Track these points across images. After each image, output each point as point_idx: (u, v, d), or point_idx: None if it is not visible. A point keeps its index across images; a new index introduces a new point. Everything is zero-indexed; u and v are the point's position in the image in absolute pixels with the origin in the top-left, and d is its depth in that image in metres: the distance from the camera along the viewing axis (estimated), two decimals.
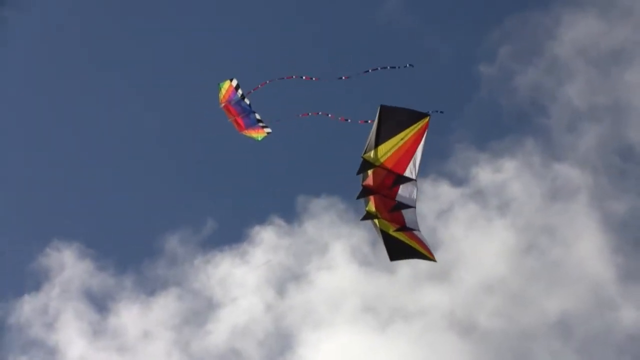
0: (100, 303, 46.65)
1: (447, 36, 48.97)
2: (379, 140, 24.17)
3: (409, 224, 25.21)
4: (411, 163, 24.51)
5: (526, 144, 47.79)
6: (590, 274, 44.69)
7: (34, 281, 46.68)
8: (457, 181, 47.65)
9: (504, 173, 47.53)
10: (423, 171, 46.48)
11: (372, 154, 24.32)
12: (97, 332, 46.04)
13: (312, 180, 48.56)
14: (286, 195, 48.60)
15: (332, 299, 46.30)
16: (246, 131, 28.66)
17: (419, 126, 23.99)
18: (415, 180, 24.67)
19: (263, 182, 49.52)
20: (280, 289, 46.83)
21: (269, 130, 28.28)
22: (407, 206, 24.90)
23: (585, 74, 48.84)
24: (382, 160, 24.52)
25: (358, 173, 24.76)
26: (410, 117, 23.85)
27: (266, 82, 28.09)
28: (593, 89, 48.45)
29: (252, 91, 28.06)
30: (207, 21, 52.15)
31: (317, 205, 47.49)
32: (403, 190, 24.91)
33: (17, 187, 49.18)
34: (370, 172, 24.62)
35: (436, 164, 47.33)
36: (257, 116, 28.08)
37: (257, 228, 47.40)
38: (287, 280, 46.93)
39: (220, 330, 45.45)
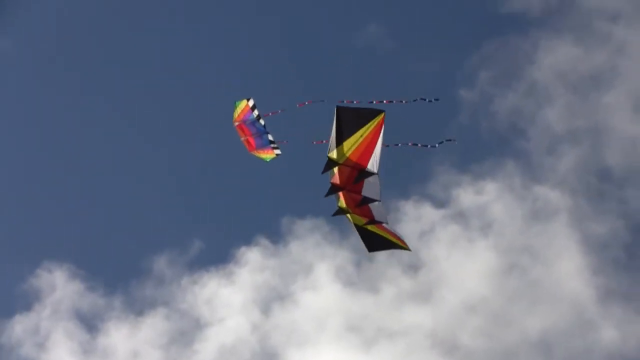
0: (90, 323, 46.46)
1: (427, 61, 48.69)
2: (340, 139, 24.62)
3: (377, 217, 25.77)
4: (372, 158, 24.91)
5: (507, 166, 47.65)
6: (570, 294, 44.67)
7: (25, 301, 46.54)
8: (439, 203, 47.27)
9: (485, 195, 47.45)
10: (405, 193, 46.19)
11: (335, 152, 24.84)
12: (87, 352, 45.84)
13: (297, 202, 48.34)
14: (271, 216, 48.52)
15: (316, 318, 46.17)
16: (256, 151, 28.59)
17: (376, 122, 24.41)
18: (377, 174, 24.94)
19: (249, 203, 49.45)
20: (266, 309, 46.62)
21: (278, 152, 28.21)
22: (373, 200, 25.32)
23: (563, 97, 48.45)
24: (345, 157, 24.98)
25: (323, 172, 25.28)
26: (367, 114, 24.34)
27: (283, 110, 27.82)
28: (571, 113, 48.09)
29: (269, 114, 27.87)
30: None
31: (301, 227, 47.18)
32: (367, 185, 25.27)
33: (8, 208, 49.20)
34: (335, 170, 25.20)
35: (418, 186, 47.44)
36: (270, 137, 28.07)
37: (243, 249, 47.37)
38: (272, 300, 46.78)
39: (207, 350, 45.34)
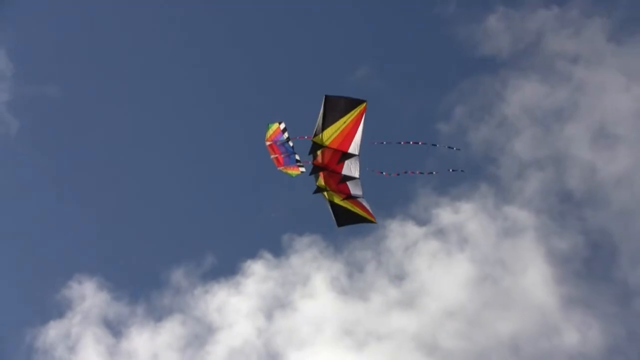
0: (115, 329, 47.45)
1: (410, 98, 50.29)
2: (325, 125, 25.44)
3: (353, 193, 26.57)
4: (353, 142, 25.70)
5: (480, 189, 48.68)
6: (536, 301, 45.40)
7: (58, 310, 47.60)
8: (422, 221, 48.44)
9: (462, 214, 48.40)
10: (391, 212, 47.28)
11: (320, 137, 25.68)
12: (112, 354, 47.05)
13: (297, 221, 48.55)
14: (274, 233, 49.01)
15: (314, 323, 46.92)
16: (283, 167, 28.17)
17: (358, 111, 25.31)
18: (358, 155, 25.90)
19: (254, 222, 49.98)
20: (269, 315, 47.45)
21: (303, 169, 27.77)
22: (351, 178, 26.27)
23: (530, 129, 49.97)
24: (328, 141, 25.76)
25: (309, 154, 26.23)
26: (350, 103, 25.24)
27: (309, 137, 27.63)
28: (537, 143, 49.63)
29: (297, 137, 27.61)
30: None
31: (300, 243, 48.50)
32: (347, 166, 26.18)
33: (44, 228, 50.62)
34: (319, 152, 26.13)
35: (403, 207, 48.62)
36: (297, 157, 27.61)
37: (249, 262, 48.28)
38: (274, 307, 47.65)
39: (218, 352, 46.38)
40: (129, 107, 53.06)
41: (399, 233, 48.55)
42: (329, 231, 48.48)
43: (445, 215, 48.63)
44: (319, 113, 25.26)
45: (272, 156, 27.64)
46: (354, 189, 26.40)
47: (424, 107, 50.61)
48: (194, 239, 50.42)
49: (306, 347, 46.53)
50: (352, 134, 25.41)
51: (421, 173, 27.49)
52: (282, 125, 26.83)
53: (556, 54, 50.91)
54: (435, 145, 27.29)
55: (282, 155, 27.52)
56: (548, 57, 51.08)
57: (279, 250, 48.88)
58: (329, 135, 25.45)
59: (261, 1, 53.76)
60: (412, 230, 48.43)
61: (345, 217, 26.76)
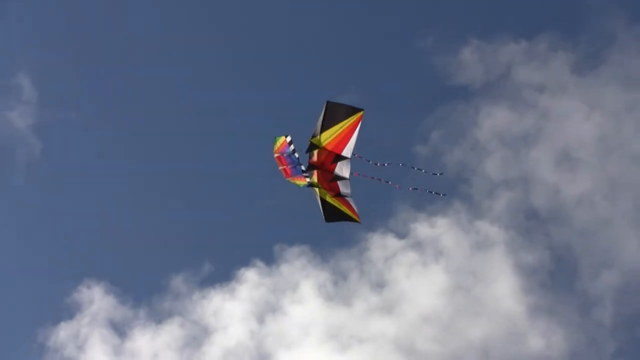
0: (120, 330, 48.40)
1: (389, 122, 50.05)
2: (323, 128, 25.42)
3: (343, 191, 26.50)
4: (347, 146, 25.56)
5: (454, 206, 49.61)
6: (505, 309, 46.35)
7: (69, 312, 48.71)
8: (400, 234, 49.41)
9: (437, 228, 49.28)
10: (373, 226, 48.09)
11: (318, 138, 25.63)
12: (117, 353, 47.96)
13: (287, 233, 50.15)
14: (266, 244, 50.22)
15: (302, 326, 47.84)
16: (291, 178, 27.92)
17: (355, 118, 25.21)
18: (350, 158, 25.81)
19: (248, 233, 51.33)
20: (261, 318, 48.47)
21: (309, 179, 27.53)
22: (342, 178, 26.24)
23: (499, 152, 50.73)
24: (324, 143, 25.70)
25: (306, 152, 26.11)
26: (348, 111, 25.13)
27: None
28: (506, 164, 50.30)
29: (301, 151, 27.32)
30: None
31: (290, 253, 49.53)
32: (339, 167, 26.08)
33: (56, 236, 51.68)
34: (315, 152, 26.07)
35: (383, 222, 49.39)
36: (303, 168, 27.33)
37: (242, 270, 49.26)
38: (266, 311, 48.62)
39: (213, 352, 47.36)
40: (135, 123, 54.07)
41: (380, 245, 49.27)
42: (316, 242, 49.49)
43: (422, 229, 49.41)
44: (319, 116, 25.41)
45: (280, 167, 27.83)
46: (344, 188, 26.50)
47: (403, 130, 50.82)
48: (193, 249, 51.13)
49: (294, 348, 47.26)
50: (347, 139, 25.64)
51: (414, 189, 27.61)
52: (289, 139, 26.75)
53: (524, 84, 51.67)
54: (421, 169, 27.63)
55: (290, 167, 27.57)
56: (517, 86, 51.80)
57: (270, 260, 49.65)
58: (326, 137, 25.64)
59: (248, 37, 54.35)
60: (392, 242, 49.27)
61: (333, 215, 26.97)
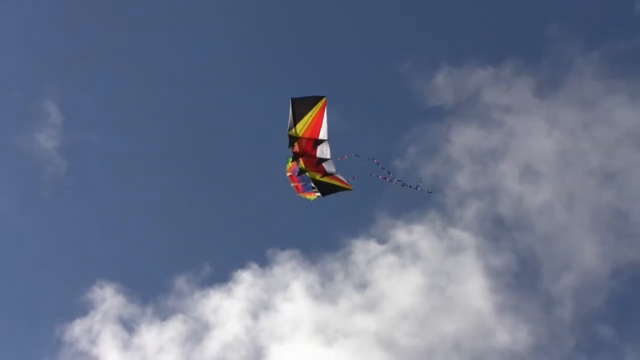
0: (129, 326, 50.26)
1: (370, 138, 52.18)
2: (295, 121, 25.90)
3: (328, 171, 27.34)
4: (322, 129, 26.13)
5: (429, 214, 51.31)
6: (475, 307, 47.70)
7: (83, 309, 50.82)
8: (381, 240, 51.04)
9: (414, 234, 50.67)
10: (356, 232, 50.27)
11: (293, 130, 26.10)
12: (126, 347, 49.82)
13: (279, 238, 52.38)
14: (260, 248, 52.24)
15: (292, 322, 49.28)
16: (302, 194, 28.26)
17: (320, 105, 25.73)
18: (327, 140, 26.47)
19: (244, 239, 53.95)
20: (255, 315, 50.11)
21: (318, 194, 27.85)
22: (325, 159, 26.96)
23: (470, 166, 52.13)
24: (301, 132, 26.22)
25: (288, 147, 26.58)
26: (312, 101, 25.55)
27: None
28: (475, 177, 51.85)
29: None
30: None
31: (282, 256, 51.27)
32: (320, 150, 26.75)
33: (71, 242, 54.99)
34: (295, 143, 26.58)
35: (365, 228, 51.59)
36: (312, 184, 27.64)
37: (239, 271, 51.17)
38: (260, 309, 50.27)
39: (212, 346, 49.03)
40: (146, 138, 57.15)
41: (363, 249, 50.95)
42: (306, 247, 51.38)
43: (400, 235, 50.95)
44: (288, 113, 26.05)
45: (292, 184, 28.46)
46: (329, 167, 27.28)
47: (383, 146, 52.21)
48: (194, 253, 53.46)
49: (285, 342, 48.74)
50: (319, 124, 26.14)
51: (403, 184, 28.36)
52: None
53: (491, 105, 53.08)
54: (416, 188, 28.46)
55: (300, 184, 28.26)
56: (485, 107, 53.20)
57: (264, 262, 51.40)
58: (301, 128, 26.12)
59: (237, 53, 56.52)
60: (374, 247, 50.94)
61: (327, 189, 27.79)
